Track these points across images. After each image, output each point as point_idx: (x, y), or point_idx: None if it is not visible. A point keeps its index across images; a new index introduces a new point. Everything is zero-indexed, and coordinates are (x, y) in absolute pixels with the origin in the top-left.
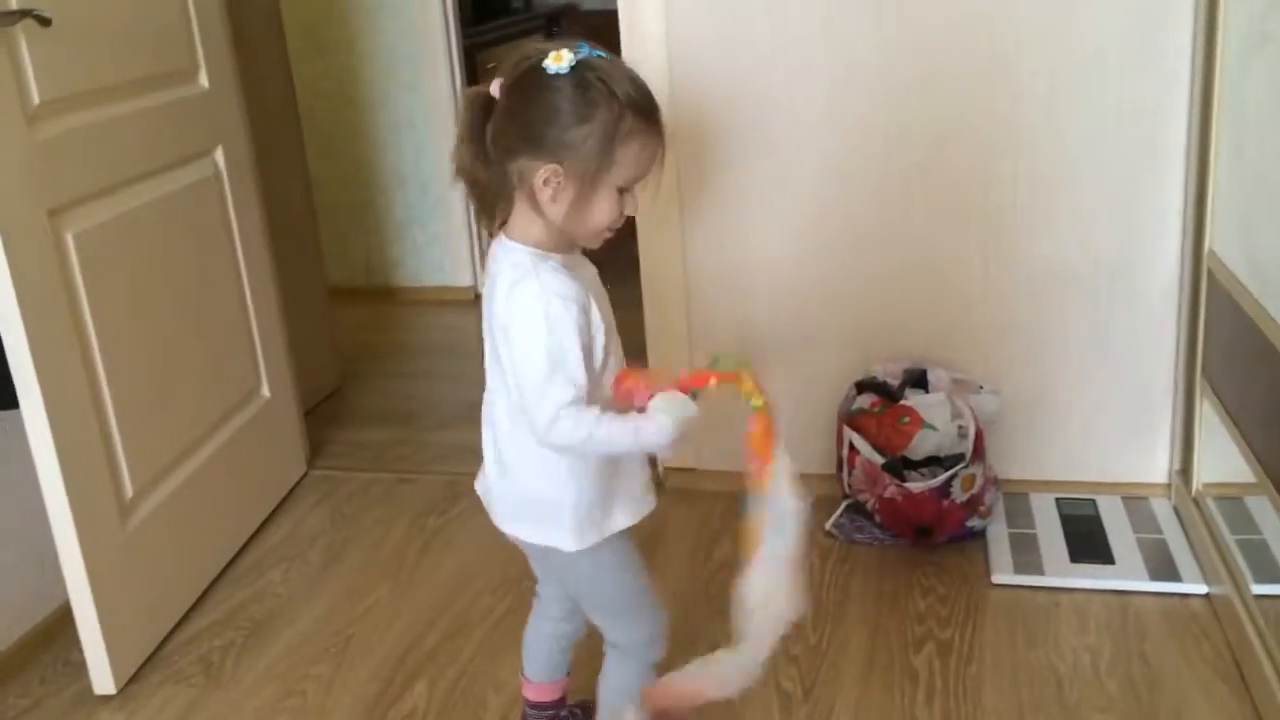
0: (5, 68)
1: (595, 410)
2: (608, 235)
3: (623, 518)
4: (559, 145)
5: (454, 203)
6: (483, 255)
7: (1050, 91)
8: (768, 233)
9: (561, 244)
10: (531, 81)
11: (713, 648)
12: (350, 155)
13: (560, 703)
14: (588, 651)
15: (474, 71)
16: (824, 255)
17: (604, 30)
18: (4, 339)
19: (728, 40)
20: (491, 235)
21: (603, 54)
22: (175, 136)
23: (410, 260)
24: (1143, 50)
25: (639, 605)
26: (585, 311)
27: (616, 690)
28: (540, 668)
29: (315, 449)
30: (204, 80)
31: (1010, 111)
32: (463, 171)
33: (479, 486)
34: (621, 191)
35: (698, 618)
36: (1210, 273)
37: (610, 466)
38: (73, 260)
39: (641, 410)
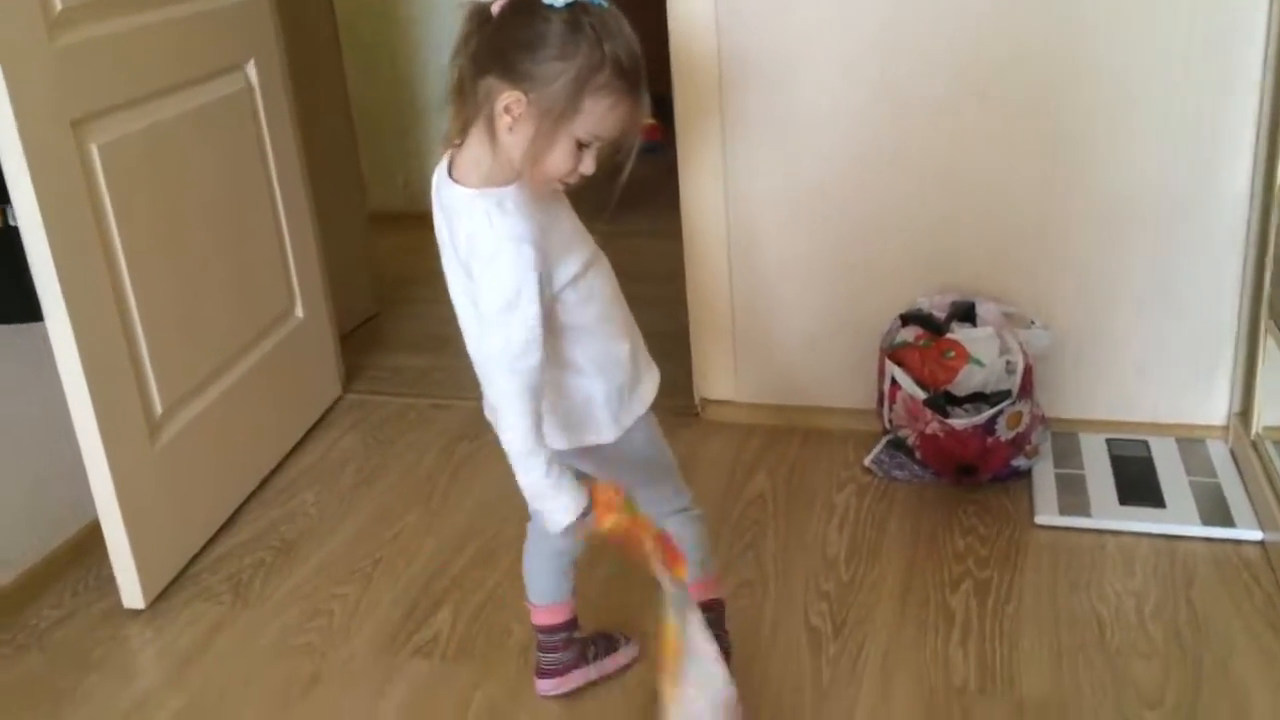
0: None
1: (533, 405)
2: (558, 187)
3: (649, 386)
4: (529, 75)
5: None
6: None
7: (1118, 16)
8: (814, 159)
9: (512, 176)
10: (526, 6)
11: (743, 583)
12: (392, 75)
13: (571, 624)
14: (596, 588)
15: None
16: (873, 183)
17: None
18: (28, 251)
19: None
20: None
21: (608, 6)
22: (205, 48)
23: None
24: None
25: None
26: (539, 246)
27: (701, 542)
28: (544, 589)
29: (351, 373)
30: None
31: (1075, 37)
32: (451, 87)
33: (489, 414)
34: (581, 146)
35: (728, 552)
36: None
37: (631, 354)
38: (98, 172)
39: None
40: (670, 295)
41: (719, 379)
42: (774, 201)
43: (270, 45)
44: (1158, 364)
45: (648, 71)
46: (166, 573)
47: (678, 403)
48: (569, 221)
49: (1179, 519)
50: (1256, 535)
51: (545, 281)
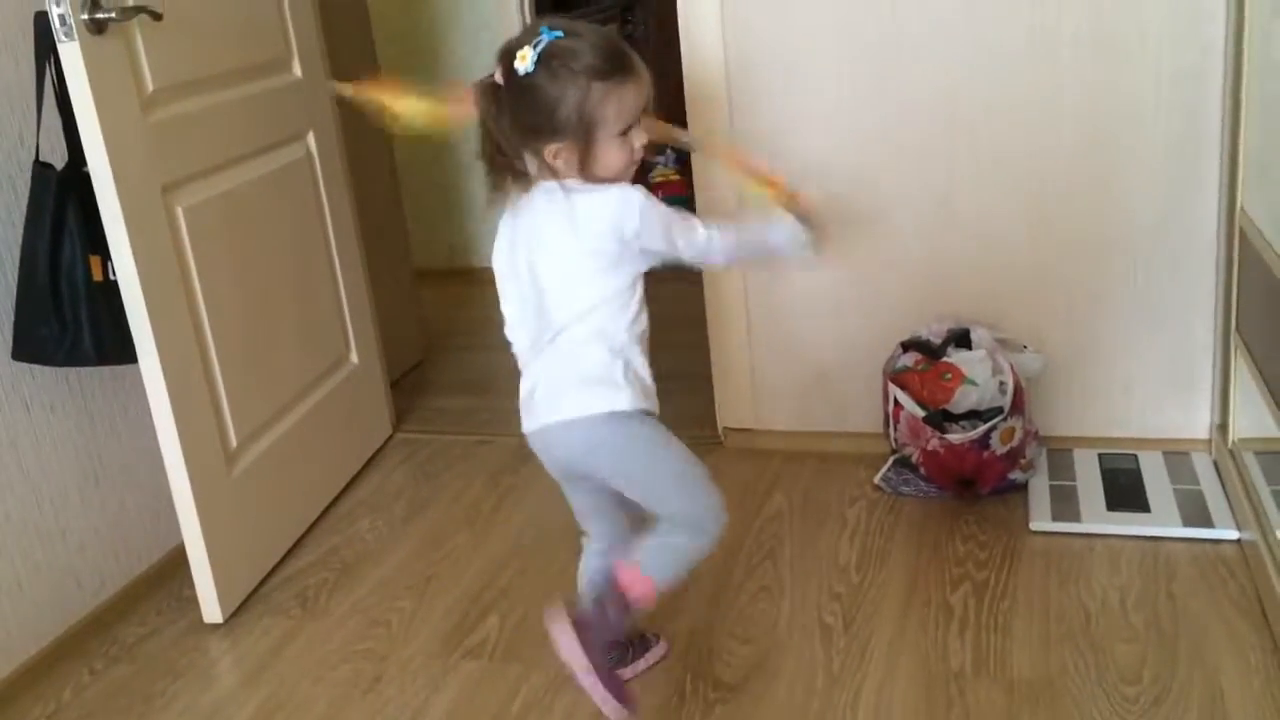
0: (123, 58)
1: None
2: (634, 169)
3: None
4: (553, 129)
5: None
6: None
7: (1092, 59)
8: (819, 203)
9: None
10: (514, 86)
11: (762, 588)
12: (433, 142)
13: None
14: None
15: None
16: (874, 223)
17: (677, 18)
18: (125, 300)
19: (780, 11)
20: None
21: (561, 33)
22: (271, 121)
23: (490, 242)
24: (1180, 17)
25: (697, 475)
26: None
27: (661, 545)
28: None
29: (400, 415)
30: (297, 70)
31: (1052, 81)
32: (483, 154)
33: (529, 427)
34: (624, 133)
35: (749, 562)
36: (1242, 231)
37: (643, 360)
38: (183, 231)
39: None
40: (697, 339)
41: (739, 409)
42: None
43: (327, 117)
44: (1143, 382)
45: (673, 120)
46: (241, 590)
47: (703, 433)
48: None
49: (1162, 522)
50: (1233, 535)
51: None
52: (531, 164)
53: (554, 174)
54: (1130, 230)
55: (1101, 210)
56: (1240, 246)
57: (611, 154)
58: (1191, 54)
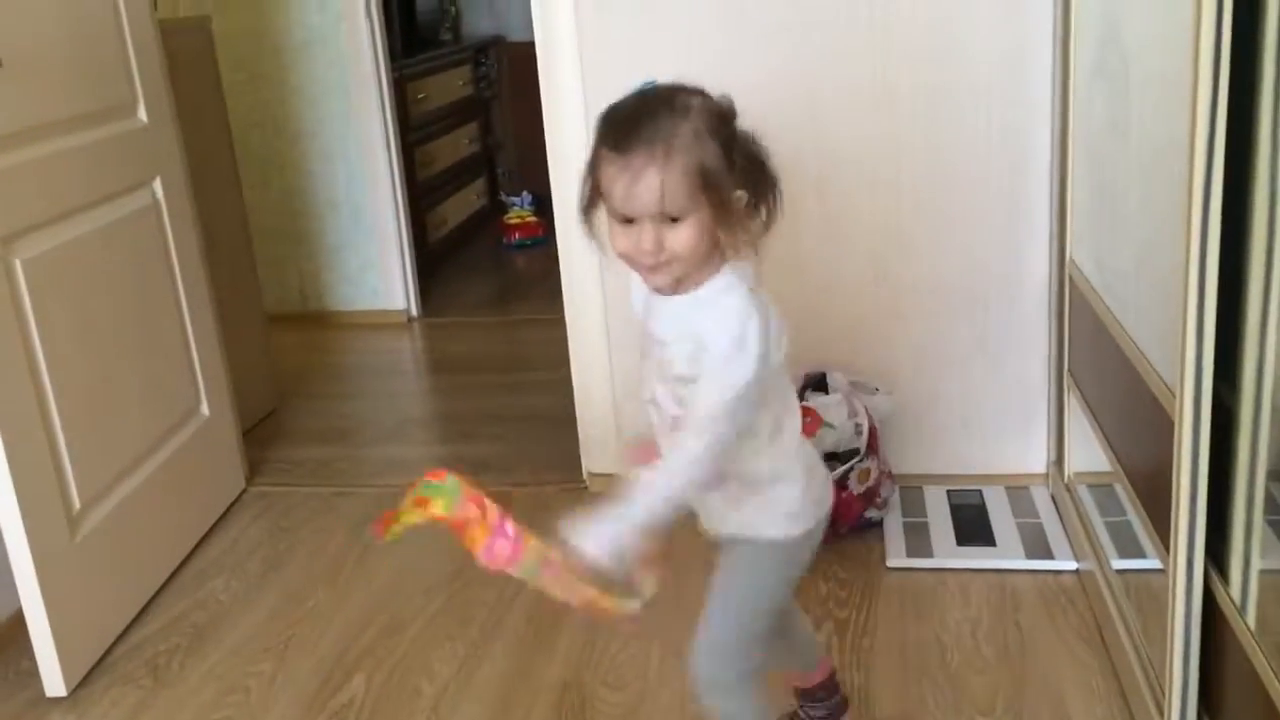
0: None
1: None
2: (644, 270)
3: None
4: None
5: (386, 229)
6: (415, 279)
7: (929, 116)
8: None
9: None
10: None
11: (631, 634)
12: (284, 185)
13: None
14: None
15: (404, 102)
16: None
17: (529, 60)
18: None
19: (637, 65)
20: None
21: (651, 87)
22: (116, 168)
23: (344, 286)
24: (1011, 77)
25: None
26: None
27: None
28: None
29: (254, 467)
30: (142, 114)
31: (893, 135)
32: None
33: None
34: (628, 222)
35: None
36: (1071, 280)
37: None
38: (21, 285)
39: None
40: (558, 379)
41: (603, 453)
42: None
43: (174, 163)
44: (985, 422)
45: (533, 174)
46: (86, 661)
47: (567, 476)
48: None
49: (1007, 555)
50: (1072, 565)
51: None
52: None
53: None
54: (969, 278)
55: (940, 257)
56: (1070, 294)
57: (615, 234)
58: (1020, 110)
